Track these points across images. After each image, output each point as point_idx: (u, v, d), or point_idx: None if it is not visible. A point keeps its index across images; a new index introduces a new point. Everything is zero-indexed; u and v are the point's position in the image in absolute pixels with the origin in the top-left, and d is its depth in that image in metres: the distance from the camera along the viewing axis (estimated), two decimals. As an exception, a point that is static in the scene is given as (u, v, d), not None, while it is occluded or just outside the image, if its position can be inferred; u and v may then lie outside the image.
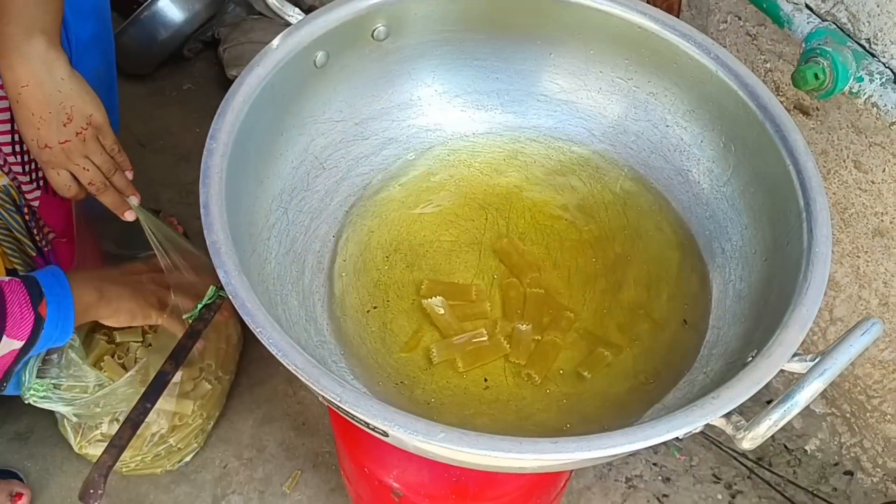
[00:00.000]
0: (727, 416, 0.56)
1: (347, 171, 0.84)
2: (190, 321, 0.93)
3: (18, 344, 0.80)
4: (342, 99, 0.81)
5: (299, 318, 0.73)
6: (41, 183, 0.96)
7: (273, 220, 0.76)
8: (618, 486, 1.19)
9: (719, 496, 1.18)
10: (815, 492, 1.17)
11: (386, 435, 0.58)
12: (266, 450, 1.22)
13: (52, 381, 0.97)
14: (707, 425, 0.57)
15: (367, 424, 0.57)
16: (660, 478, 1.19)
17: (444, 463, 0.78)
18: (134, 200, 0.92)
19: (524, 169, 0.87)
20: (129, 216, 0.91)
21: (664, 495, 1.18)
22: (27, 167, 0.94)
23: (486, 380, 0.74)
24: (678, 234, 0.81)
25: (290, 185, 0.79)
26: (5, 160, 0.92)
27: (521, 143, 0.88)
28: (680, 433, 0.55)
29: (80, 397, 0.98)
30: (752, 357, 0.60)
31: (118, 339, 1.08)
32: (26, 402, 0.96)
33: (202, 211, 0.63)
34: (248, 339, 1.27)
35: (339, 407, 0.57)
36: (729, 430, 0.56)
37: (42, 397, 0.97)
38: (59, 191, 0.87)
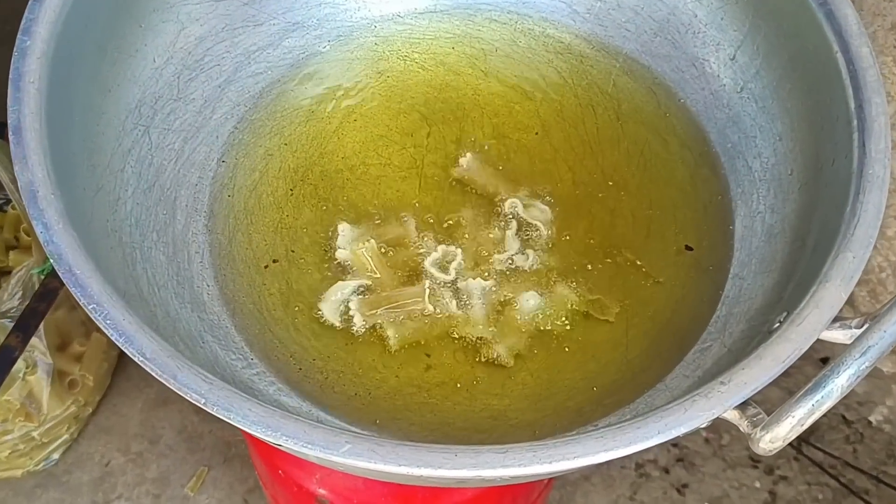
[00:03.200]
0: (741, 406, 0.55)
1: (234, 72, 0.82)
2: (42, 276, 0.92)
3: None
4: (223, -34, 0.80)
5: (168, 280, 0.71)
6: None
7: (129, 143, 0.73)
8: (625, 474, 1.20)
9: (757, 484, 1.18)
10: (880, 476, 1.17)
11: (280, 445, 0.56)
12: (161, 441, 1.22)
13: None
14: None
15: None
16: (679, 462, 1.20)
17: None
18: None
19: (481, 61, 0.85)
20: None
21: (684, 485, 1.18)
22: None
23: (427, 356, 0.72)
24: (690, 149, 0.80)
25: (152, 93, 0.76)
26: None
27: (476, 25, 0.86)
28: (675, 434, 0.53)
29: None
30: (780, 322, 0.58)
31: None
32: None
33: (11, 138, 0.60)
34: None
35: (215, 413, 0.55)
36: (743, 426, 0.54)
37: None
38: None
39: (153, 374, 0.54)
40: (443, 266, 0.75)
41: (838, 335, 0.57)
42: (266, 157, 0.80)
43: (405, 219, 0.78)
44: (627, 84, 0.83)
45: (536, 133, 0.82)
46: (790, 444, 1.19)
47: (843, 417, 1.23)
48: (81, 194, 0.65)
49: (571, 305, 0.74)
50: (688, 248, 0.75)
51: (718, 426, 1.23)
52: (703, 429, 1.19)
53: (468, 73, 0.85)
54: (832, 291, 0.57)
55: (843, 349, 0.54)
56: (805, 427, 0.51)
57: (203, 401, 0.53)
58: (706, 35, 0.80)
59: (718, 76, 0.80)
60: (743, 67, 0.78)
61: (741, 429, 0.54)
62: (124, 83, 0.74)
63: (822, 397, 0.51)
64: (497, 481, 0.61)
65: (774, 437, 0.52)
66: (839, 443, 1.21)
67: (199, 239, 0.75)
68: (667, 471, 1.20)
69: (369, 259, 0.75)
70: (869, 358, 0.51)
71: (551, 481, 1.00)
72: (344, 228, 0.77)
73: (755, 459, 1.20)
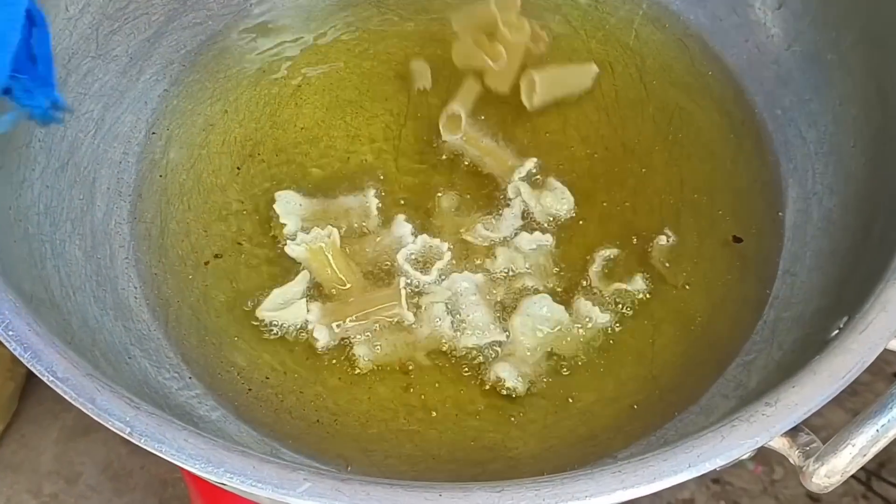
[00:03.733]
0: (792, 433, 0.56)
1: (166, 22, 0.83)
2: None
3: None
4: None
5: (85, 281, 0.72)
6: None
7: None
8: (656, 516, 1.21)
9: (816, 528, 1.20)
10: (969, 516, 1.19)
11: (224, 485, 0.57)
12: (80, 480, 1.22)
13: None
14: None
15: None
16: (722, 503, 1.21)
17: None
18: None
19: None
20: None
21: (727, 530, 1.20)
22: None
23: (407, 373, 0.73)
24: (731, 116, 0.81)
25: (65, 48, 0.78)
26: None
27: (466, -39, 0.87)
28: (710, 468, 0.54)
29: None
30: (840, 328, 0.59)
31: None
32: None
33: None
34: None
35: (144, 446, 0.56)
36: (794, 456, 0.56)
37: None
38: None
39: (67, 397, 0.55)
40: (424, 263, 0.76)
41: None
42: (206, 128, 0.81)
43: (377, 204, 0.79)
44: (653, 35, 0.85)
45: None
46: (856, 478, 1.20)
47: None
48: (-26, 176, 0.66)
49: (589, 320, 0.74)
50: (735, 239, 0.76)
51: (769, 457, 1.24)
52: (749, 460, 1.20)
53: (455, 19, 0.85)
54: (905, 291, 0.58)
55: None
56: (868, 458, 0.52)
57: (128, 430, 0.53)
58: (750, -29, 0.82)
59: (765, 24, 0.82)
60: (795, 13, 0.80)
61: (791, 460, 0.55)
62: None
63: (890, 420, 0.52)
64: None
65: (831, 471, 0.53)
66: None
67: (124, 229, 0.77)
68: (706, 512, 1.21)
69: (329, 256, 0.76)
70: None
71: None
72: (287, 198, 0.77)
73: (814, 498, 1.22)
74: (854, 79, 0.75)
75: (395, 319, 0.74)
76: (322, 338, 0.73)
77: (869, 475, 1.22)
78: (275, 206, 0.77)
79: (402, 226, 0.77)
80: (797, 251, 0.74)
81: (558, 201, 0.78)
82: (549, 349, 0.73)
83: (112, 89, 0.80)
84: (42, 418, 1.26)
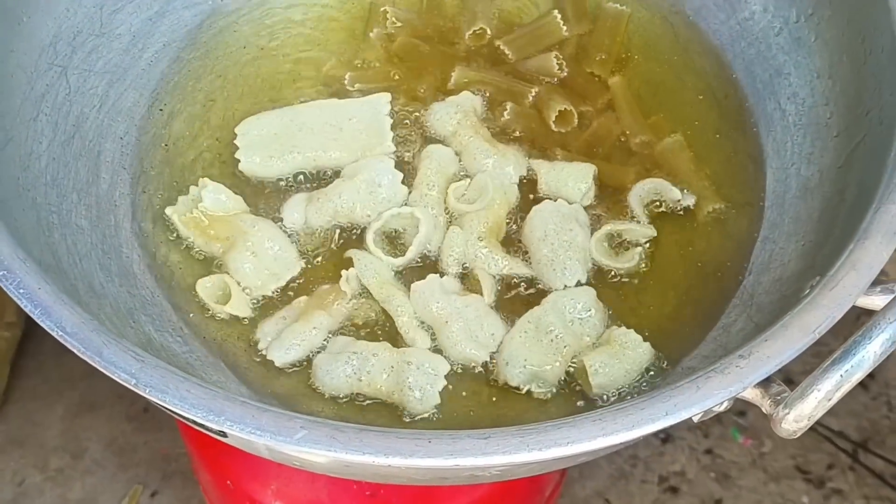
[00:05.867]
0: (764, 384, 0.57)
1: (168, 1, 0.85)
2: None
3: None
4: None
5: (91, 249, 0.74)
6: None
7: (43, 87, 0.76)
8: (647, 489, 1.22)
9: (805, 499, 1.21)
10: (954, 488, 1.20)
11: (224, 435, 0.59)
12: (86, 455, 1.23)
13: None
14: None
15: (195, 421, 0.58)
16: (712, 474, 1.22)
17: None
18: None
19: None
20: None
21: (717, 501, 1.21)
22: None
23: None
24: (714, 90, 0.83)
25: (70, 27, 0.79)
26: None
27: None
28: (686, 415, 0.56)
29: None
30: (812, 286, 0.61)
31: None
32: None
33: None
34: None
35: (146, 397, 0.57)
36: (766, 406, 0.57)
37: None
38: None
39: (75, 351, 0.57)
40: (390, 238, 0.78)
41: (879, 301, 0.59)
42: (207, 104, 0.83)
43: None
44: (638, 13, 0.87)
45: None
46: (843, 450, 1.22)
47: None
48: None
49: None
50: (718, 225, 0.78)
51: (759, 431, 1.25)
52: (741, 433, 1.22)
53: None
54: (871, 250, 0.60)
55: (872, 317, 0.57)
56: (833, 402, 0.54)
57: (134, 381, 0.55)
58: (731, -51, 0.83)
59: (746, 2, 0.83)
60: None
61: (763, 409, 0.57)
62: (36, 15, 0.76)
63: (853, 367, 0.54)
64: (483, 478, 0.64)
65: (799, 416, 0.54)
66: None
67: (128, 201, 0.78)
68: (697, 484, 1.22)
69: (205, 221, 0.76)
70: None
71: (555, 495, 1.03)
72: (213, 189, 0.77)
73: (803, 470, 1.23)
74: (829, 52, 0.76)
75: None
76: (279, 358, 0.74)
77: (855, 447, 1.23)
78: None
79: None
80: (775, 218, 0.76)
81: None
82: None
83: (116, 66, 0.81)
84: (48, 396, 1.26)
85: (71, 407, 1.25)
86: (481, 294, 0.74)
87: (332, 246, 0.77)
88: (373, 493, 0.86)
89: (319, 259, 0.77)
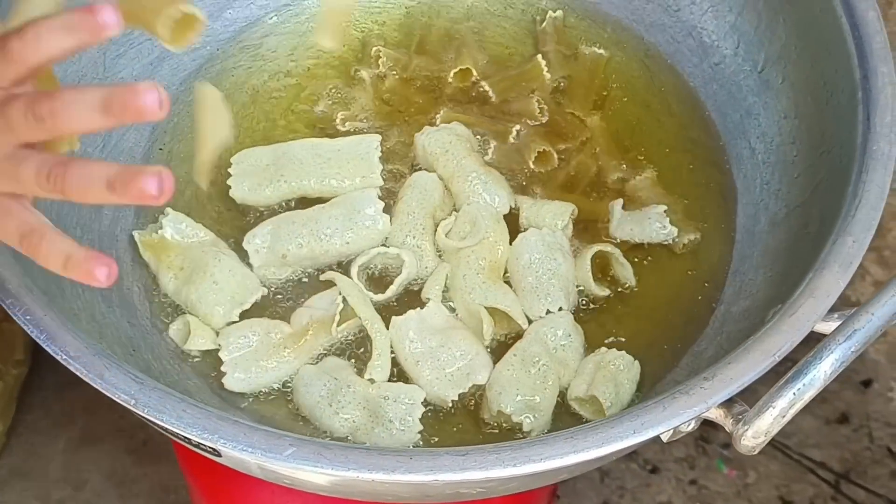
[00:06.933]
0: (727, 404, 0.60)
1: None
2: None
3: None
4: None
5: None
6: None
7: None
8: (634, 519, 1.24)
9: (788, 529, 1.22)
10: (935, 518, 1.22)
11: (218, 455, 0.62)
12: (87, 486, 1.24)
13: None
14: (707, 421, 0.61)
15: (188, 440, 0.61)
16: None
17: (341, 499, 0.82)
18: None
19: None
20: None
21: (703, 531, 1.23)
22: None
23: None
24: (687, 128, 0.86)
25: (75, 71, 0.82)
26: None
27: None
28: (653, 433, 0.59)
29: None
30: (774, 313, 0.64)
31: None
32: None
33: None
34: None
35: (144, 417, 0.61)
36: (728, 425, 0.60)
37: None
38: None
39: (78, 373, 0.60)
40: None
41: (834, 327, 0.61)
42: None
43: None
44: (616, 56, 0.89)
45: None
46: (825, 481, 1.23)
47: (889, 450, 1.27)
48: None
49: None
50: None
51: (744, 462, 1.27)
52: (726, 464, 1.23)
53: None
54: (829, 279, 0.63)
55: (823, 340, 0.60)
56: (787, 419, 0.57)
57: (133, 402, 0.58)
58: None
59: (718, 46, 0.86)
60: (745, 36, 0.84)
61: (726, 428, 0.60)
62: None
63: (805, 385, 0.57)
64: (466, 495, 0.66)
65: (757, 432, 0.57)
66: (884, 479, 1.25)
67: (128, 237, 0.81)
68: (682, 515, 1.24)
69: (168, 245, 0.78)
70: (855, 342, 0.57)
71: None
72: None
73: (786, 501, 1.24)
74: (795, 94, 0.79)
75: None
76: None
77: (838, 478, 1.25)
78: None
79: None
80: (745, 252, 0.79)
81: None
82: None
83: None
84: (50, 429, 1.27)
85: (72, 440, 1.26)
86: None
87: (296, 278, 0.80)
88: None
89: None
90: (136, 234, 0.80)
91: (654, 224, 0.79)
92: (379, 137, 0.84)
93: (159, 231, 0.79)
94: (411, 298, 0.79)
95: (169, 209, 0.79)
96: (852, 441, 1.28)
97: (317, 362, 0.76)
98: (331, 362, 0.75)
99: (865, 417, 1.29)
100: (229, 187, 0.82)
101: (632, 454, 1.26)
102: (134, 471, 1.25)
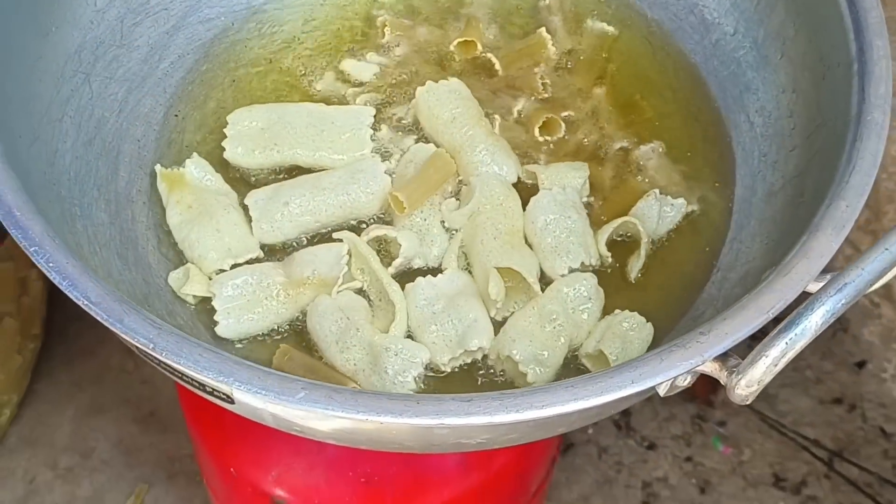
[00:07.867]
0: (722, 358, 0.62)
1: (183, 17, 0.89)
2: None
3: None
4: None
5: (110, 240, 0.78)
6: None
7: (68, 91, 0.81)
8: (631, 494, 1.25)
9: (781, 505, 1.24)
10: (924, 495, 1.23)
11: (231, 401, 0.64)
12: (94, 454, 1.26)
13: None
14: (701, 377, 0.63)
15: (202, 386, 0.63)
16: (693, 481, 1.25)
17: (346, 452, 0.86)
18: None
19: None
20: None
21: (698, 506, 1.25)
22: None
23: None
24: (689, 102, 0.88)
25: (94, 38, 0.83)
26: None
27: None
28: (651, 384, 0.60)
29: None
30: (770, 274, 0.66)
31: None
32: None
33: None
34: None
35: (160, 361, 0.62)
36: (723, 378, 0.62)
37: None
38: None
39: (99, 318, 0.61)
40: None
41: None
42: (218, 111, 0.87)
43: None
44: (620, 32, 0.92)
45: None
46: (821, 460, 1.25)
47: (882, 430, 1.28)
48: (17, 142, 0.72)
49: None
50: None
51: (739, 440, 1.28)
52: (722, 441, 1.25)
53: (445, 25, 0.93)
54: (822, 241, 0.65)
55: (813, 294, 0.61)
56: (780, 367, 0.59)
57: (151, 345, 0.60)
58: (706, -25, 0.88)
59: (719, 23, 0.87)
60: (744, 14, 0.86)
61: (721, 381, 0.62)
62: (64, 26, 0.80)
63: (796, 335, 0.58)
64: (469, 445, 0.67)
65: (750, 381, 0.59)
66: (877, 458, 1.26)
67: (145, 198, 0.83)
68: (679, 490, 1.25)
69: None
70: (845, 296, 0.58)
71: (540, 493, 1.06)
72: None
73: (780, 477, 1.26)
74: (793, 69, 0.81)
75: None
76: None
77: (831, 456, 1.27)
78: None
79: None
80: (742, 221, 0.81)
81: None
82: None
83: (134, 75, 0.85)
84: (58, 399, 1.29)
85: (81, 409, 1.28)
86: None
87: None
88: (367, 479, 0.89)
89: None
90: (157, 167, 0.82)
91: (668, 213, 0.82)
92: (373, 111, 0.85)
93: (181, 168, 0.81)
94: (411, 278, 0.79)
95: (196, 153, 0.82)
96: (846, 421, 1.30)
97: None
98: (346, 298, 0.77)
99: (860, 398, 1.31)
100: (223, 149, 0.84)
101: (629, 431, 1.28)
102: (140, 440, 1.28)
